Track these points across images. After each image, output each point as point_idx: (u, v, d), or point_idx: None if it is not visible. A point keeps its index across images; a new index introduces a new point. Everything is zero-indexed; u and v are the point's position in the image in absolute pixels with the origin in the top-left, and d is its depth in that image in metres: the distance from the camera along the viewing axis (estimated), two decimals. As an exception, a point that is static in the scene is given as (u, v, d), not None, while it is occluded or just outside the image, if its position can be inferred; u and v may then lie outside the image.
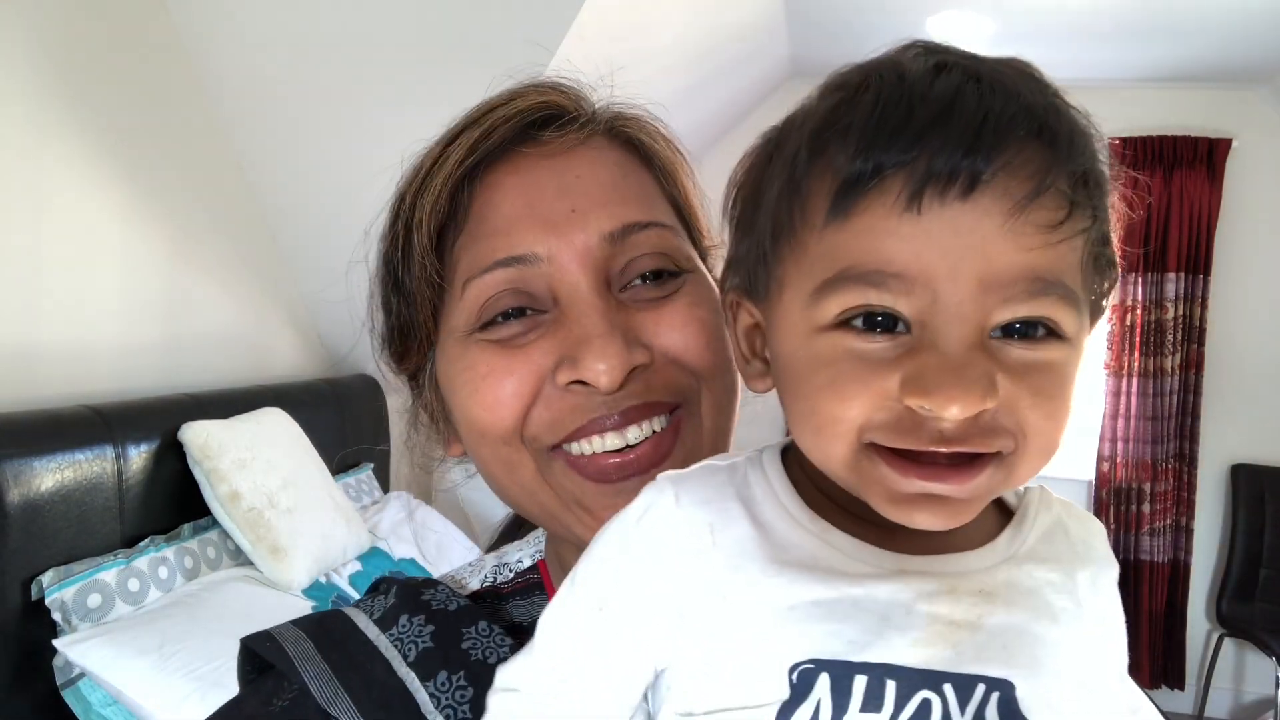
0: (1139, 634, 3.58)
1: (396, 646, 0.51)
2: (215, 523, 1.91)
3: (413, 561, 2.35)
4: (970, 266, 0.35)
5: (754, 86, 3.48)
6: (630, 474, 0.50)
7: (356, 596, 2.06)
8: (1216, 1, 2.73)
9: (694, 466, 0.44)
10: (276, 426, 2.13)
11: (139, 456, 1.78)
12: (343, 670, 0.49)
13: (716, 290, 0.55)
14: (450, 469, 0.61)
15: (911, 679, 0.36)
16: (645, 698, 0.42)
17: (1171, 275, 3.50)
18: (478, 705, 0.47)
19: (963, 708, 0.36)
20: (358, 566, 2.18)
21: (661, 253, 0.53)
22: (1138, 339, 3.54)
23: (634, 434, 0.50)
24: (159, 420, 1.86)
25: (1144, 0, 2.75)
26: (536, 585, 0.59)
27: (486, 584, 0.60)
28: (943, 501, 0.36)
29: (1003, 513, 0.43)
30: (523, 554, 0.62)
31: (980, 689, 0.36)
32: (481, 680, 0.48)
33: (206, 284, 2.27)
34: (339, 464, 2.53)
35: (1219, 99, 3.52)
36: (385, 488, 2.84)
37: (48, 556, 1.56)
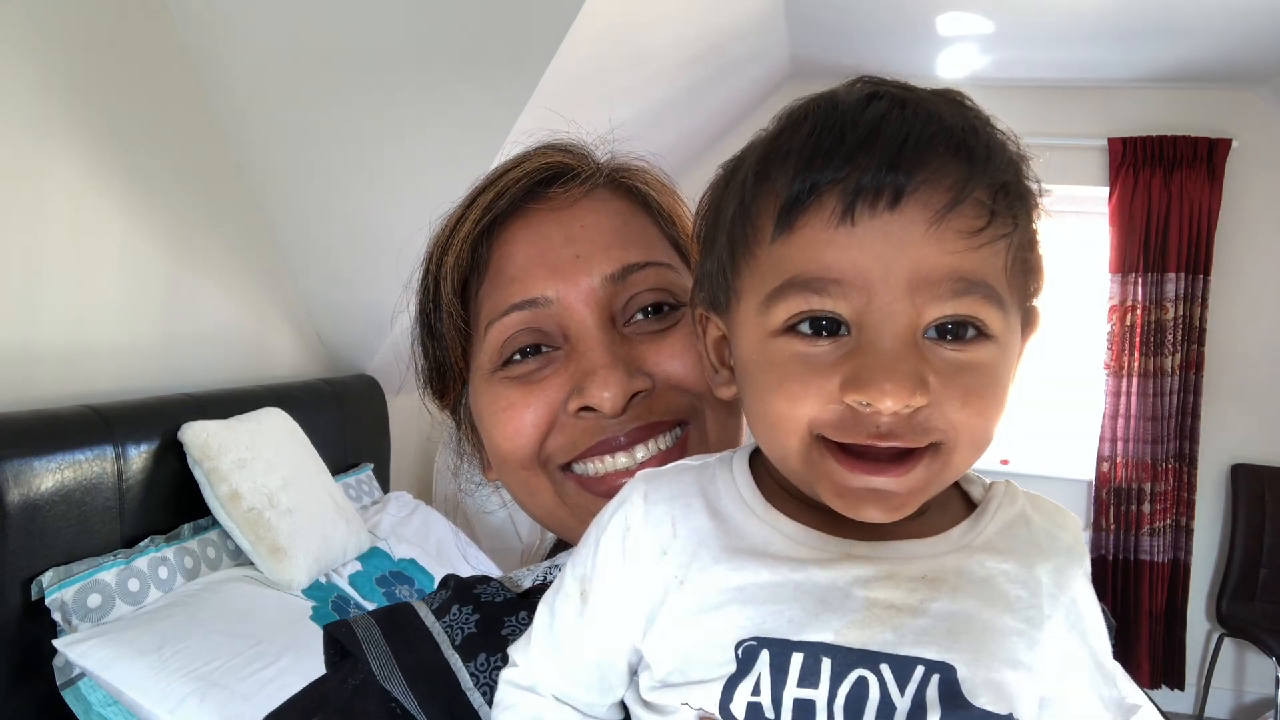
0: (1139, 634, 3.58)
1: (447, 632, 0.57)
2: (215, 523, 1.91)
3: (413, 561, 2.35)
4: (900, 269, 0.39)
5: (754, 86, 3.48)
6: None
7: (357, 596, 2.06)
8: (1216, 1, 2.73)
9: (669, 465, 0.48)
10: (276, 426, 2.13)
11: (139, 456, 1.78)
12: (400, 653, 0.55)
13: None
14: (490, 494, 0.69)
15: (848, 658, 0.38)
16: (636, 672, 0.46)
17: (1171, 275, 3.49)
18: None
19: (901, 688, 0.38)
20: (358, 566, 2.18)
21: (660, 288, 0.60)
22: (1138, 339, 3.54)
23: (641, 452, 0.57)
24: (159, 420, 1.86)
25: (1144, 0, 2.75)
26: None
27: (537, 582, 0.65)
28: (886, 495, 0.40)
29: (970, 507, 0.46)
30: None
31: (919, 670, 0.38)
32: None
33: (206, 284, 2.27)
34: (339, 464, 2.53)
35: (1219, 99, 3.52)
36: (385, 488, 2.84)
37: (48, 556, 1.56)
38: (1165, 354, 3.52)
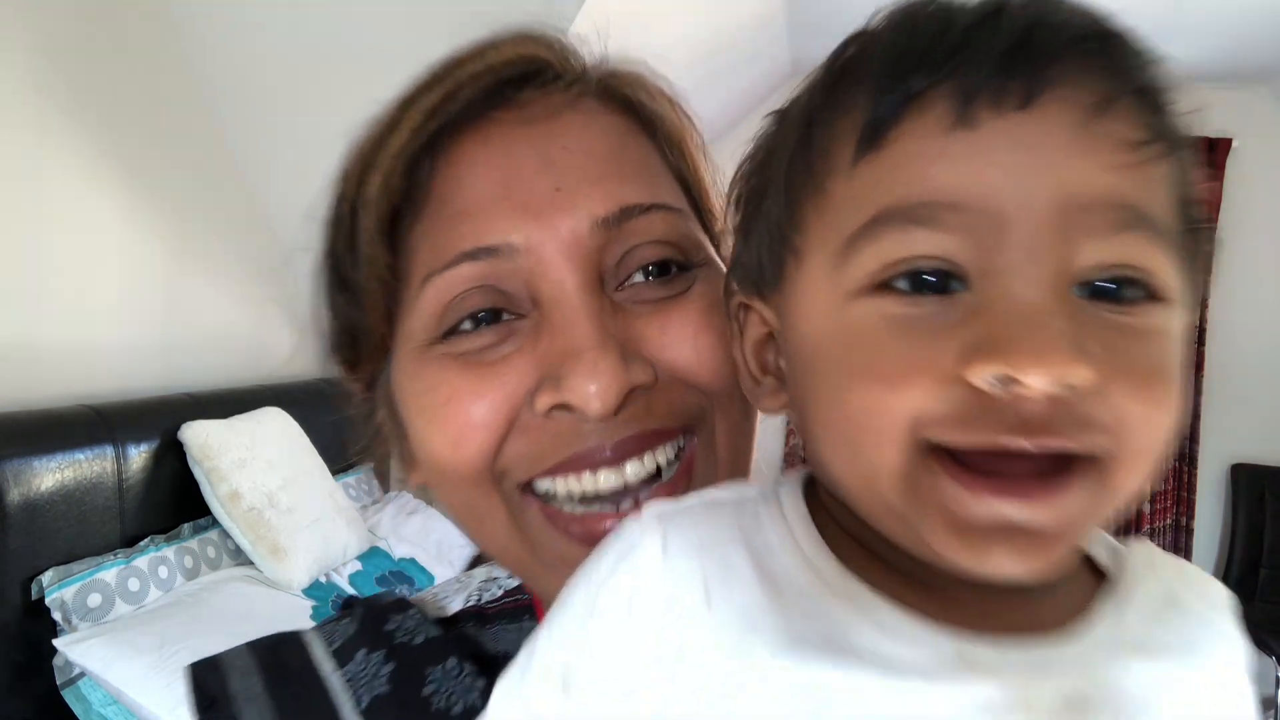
0: (1139, 634, 3.58)
1: (350, 688, 0.44)
2: (215, 522, 1.91)
3: (413, 561, 2.35)
4: (1043, 185, 0.27)
5: (754, 86, 3.48)
6: None
7: (357, 596, 2.06)
8: (1217, 1, 2.73)
9: (691, 498, 0.34)
10: (276, 426, 2.13)
11: (139, 456, 1.78)
12: (287, 713, 0.43)
13: None
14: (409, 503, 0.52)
15: None
16: None
17: (1171, 275, 3.49)
18: None
19: None
20: (358, 566, 2.18)
21: (668, 241, 0.43)
22: (1138, 339, 3.55)
23: (633, 470, 0.41)
24: (159, 420, 1.86)
25: (1145, 0, 2.75)
26: (526, 608, 0.50)
27: (470, 603, 0.52)
28: (1025, 535, 0.27)
29: (1092, 573, 0.34)
30: None
31: None
32: None
33: (206, 284, 2.27)
34: (339, 464, 2.53)
35: (1219, 99, 3.52)
36: (385, 488, 2.84)
37: (48, 556, 1.56)
38: (1165, 354, 3.53)
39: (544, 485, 0.42)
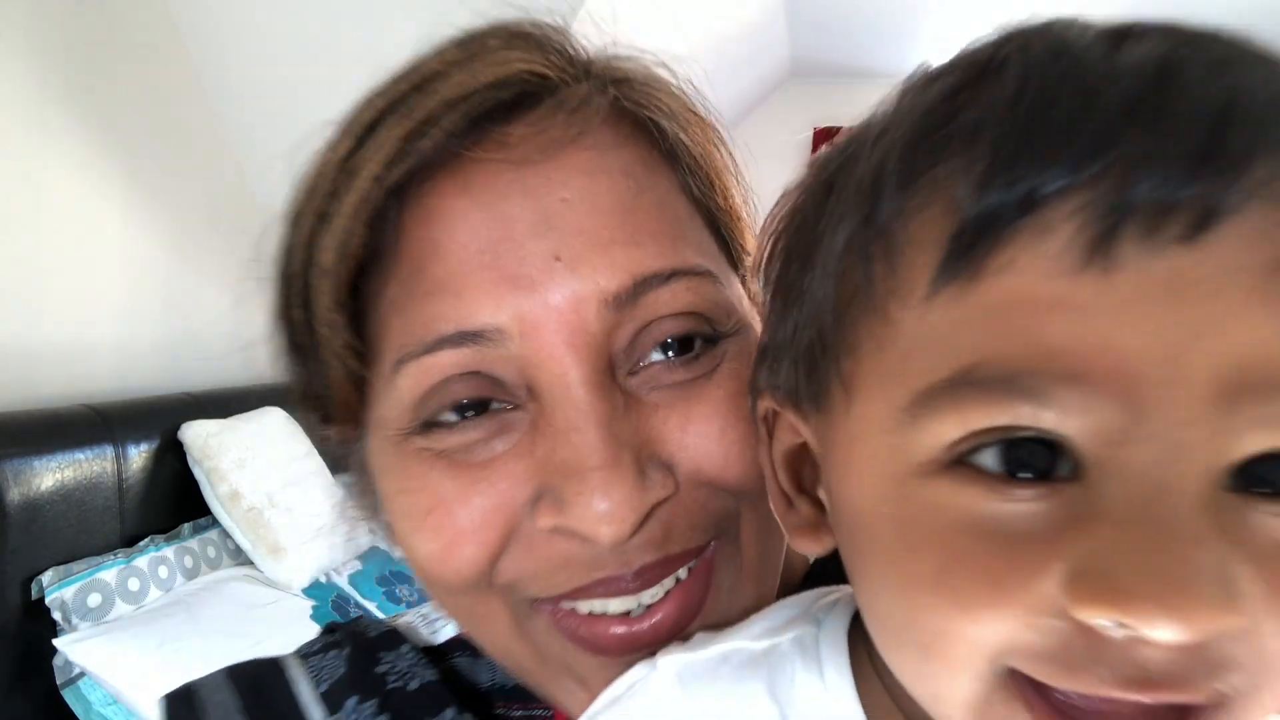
0: (1139, 634, 3.58)
1: None
2: (215, 522, 1.92)
3: (413, 561, 2.35)
4: (1204, 358, 0.20)
5: (754, 86, 3.48)
6: (642, 646, 0.35)
7: (357, 596, 2.06)
8: (1216, 2, 2.74)
9: (714, 649, 0.30)
10: (276, 426, 2.13)
11: (139, 456, 1.79)
12: None
13: None
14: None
15: None
16: None
17: (1171, 275, 3.49)
18: None
19: None
20: (358, 566, 2.18)
21: (692, 313, 0.36)
22: (1137, 339, 3.54)
23: (651, 597, 0.35)
24: (159, 420, 1.86)
25: (1143, 1, 2.75)
26: None
27: (463, 631, 0.47)
28: None
29: None
30: None
31: None
32: None
33: (206, 284, 2.27)
34: (339, 464, 2.53)
35: (1219, 99, 3.52)
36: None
37: (48, 556, 1.56)
38: (1165, 354, 3.52)
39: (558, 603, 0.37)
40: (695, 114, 0.41)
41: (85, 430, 1.67)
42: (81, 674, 1.52)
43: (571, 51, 0.39)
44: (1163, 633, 0.19)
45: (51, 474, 1.56)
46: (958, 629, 0.22)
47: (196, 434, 1.88)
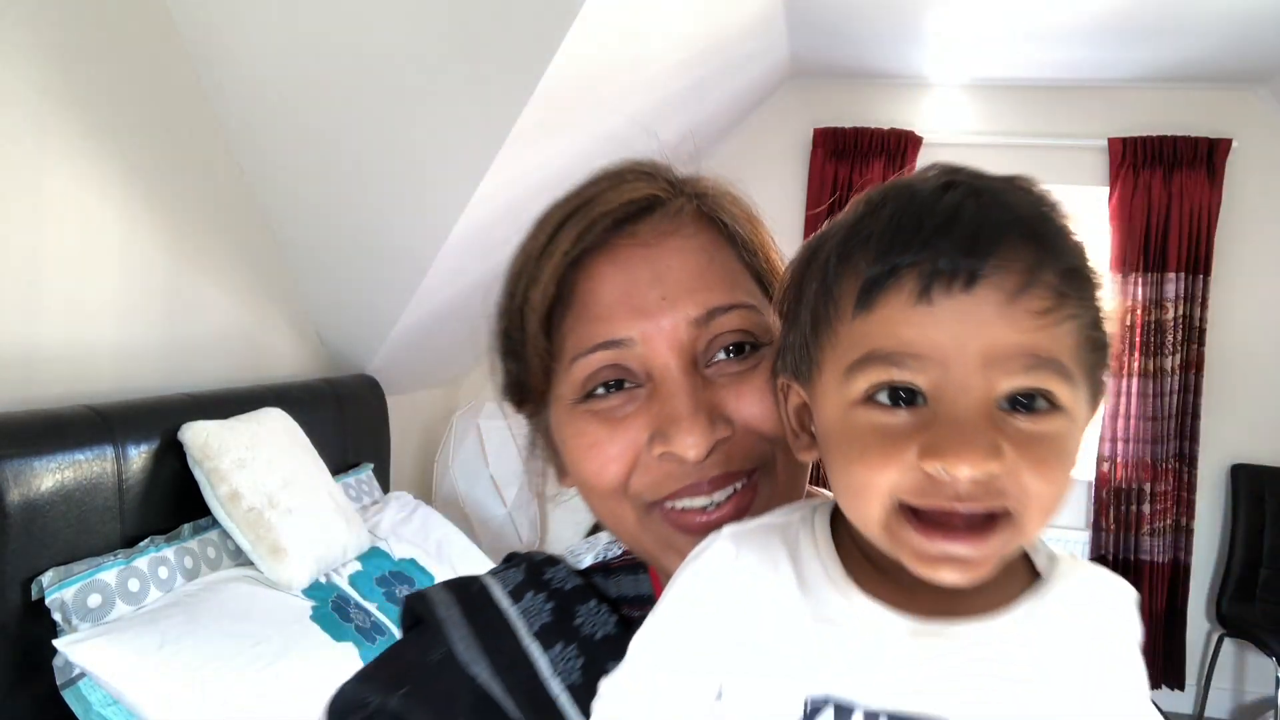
0: (1139, 634, 3.58)
1: (524, 619, 0.61)
2: (215, 523, 1.92)
3: (413, 561, 2.35)
4: (975, 345, 0.41)
5: (754, 86, 3.48)
6: (715, 527, 0.56)
7: (357, 596, 2.07)
8: (1216, 1, 2.73)
9: (754, 523, 0.51)
10: (276, 426, 2.13)
11: (139, 456, 1.79)
12: (481, 636, 0.60)
13: None
14: (564, 494, 0.69)
15: None
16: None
17: (1171, 275, 3.49)
18: (586, 671, 0.58)
19: None
20: (358, 566, 2.18)
21: (742, 329, 0.60)
22: (1138, 339, 3.54)
23: (720, 495, 0.58)
24: (159, 420, 1.86)
25: (1144, 0, 2.75)
26: (640, 564, 0.69)
27: (598, 560, 0.71)
28: (962, 561, 0.42)
29: (1034, 574, 0.48)
30: None
31: None
32: (589, 651, 0.60)
33: (206, 284, 2.27)
34: (339, 464, 2.53)
35: (1219, 99, 3.52)
36: (385, 488, 2.84)
37: (48, 556, 1.56)
38: (1165, 354, 3.52)
39: (663, 503, 0.59)
40: (746, 211, 0.65)
41: (85, 430, 1.67)
42: (81, 675, 1.52)
43: (674, 178, 0.64)
44: (962, 471, 0.40)
45: (51, 474, 1.56)
46: (871, 479, 0.43)
47: (196, 434, 1.88)
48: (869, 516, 0.44)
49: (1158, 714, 0.56)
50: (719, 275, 0.60)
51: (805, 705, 0.44)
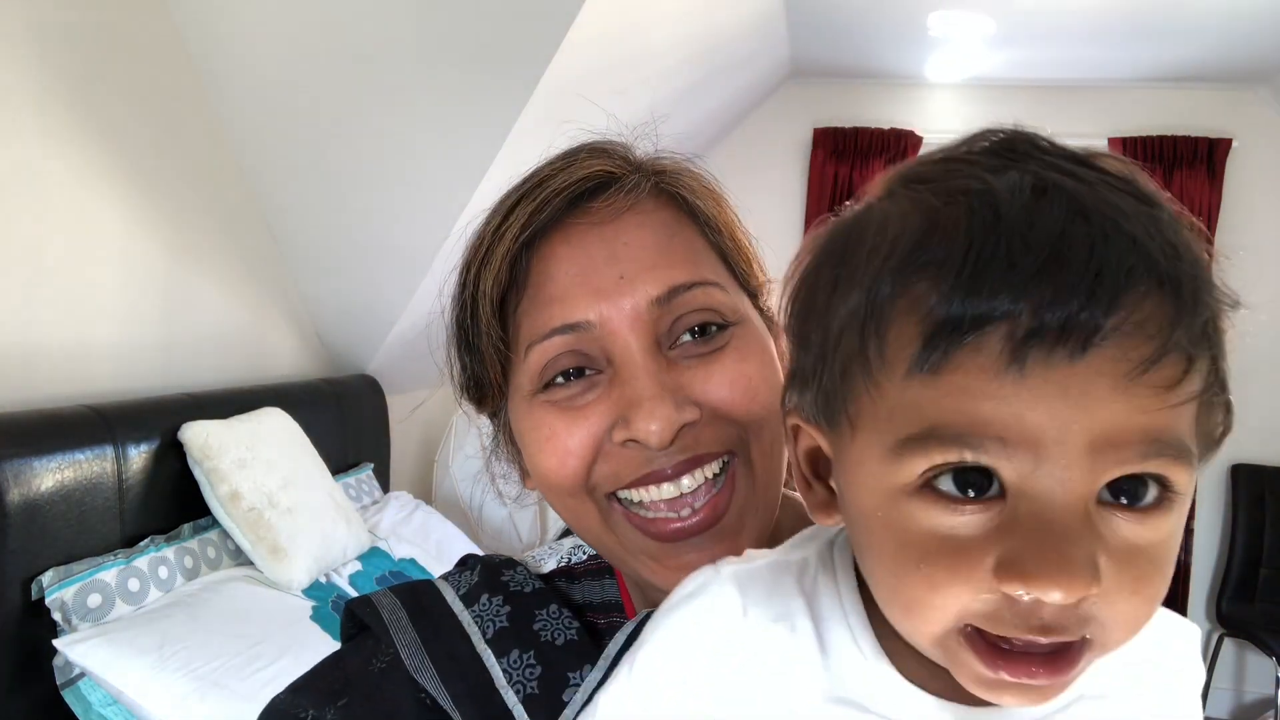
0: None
1: (477, 624, 0.57)
2: (215, 523, 1.91)
3: (413, 561, 2.35)
4: (1080, 430, 0.31)
5: (754, 86, 3.48)
6: (690, 534, 0.54)
7: (356, 597, 2.06)
8: (1216, 1, 2.73)
9: (761, 561, 0.43)
10: (276, 426, 2.13)
11: (139, 456, 1.78)
12: (430, 642, 0.56)
13: (766, 335, 0.59)
14: (528, 496, 0.67)
15: None
16: None
17: (1171, 275, 3.49)
18: (544, 682, 0.54)
19: None
20: (358, 566, 2.18)
21: (707, 308, 0.56)
22: (1138, 339, 3.54)
23: (687, 482, 0.54)
24: (159, 420, 1.86)
25: (1144, 0, 2.75)
26: (606, 569, 0.65)
27: (562, 564, 0.67)
28: (1033, 690, 0.35)
29: None
30: None
31: None
32: (547, 658, 0.55)
33: (206, 284, 2.27)
34: (339, 464, 2.53)
35: (1219, 99, 3.52)
36: (385, 488, 2.84)
37: (48, 556, 1.56)
38: (1165, 354, 3.52)
39: (624, 494, 0.56)
40: (708, 188, 0.61)
41: (85, 430, 1.67)
42: (81, 674, 1.52)
43: (629, 156, 0.60)
44: (1052, 596, 0.32)
45: (51, 474, 1.56)
46: (928, 599, 0.35)
47: (196, 434, 1.88)
48: (924, 634, 0.36)
49: None
50: (680, 252, 0.56)
51: None
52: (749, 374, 0.55)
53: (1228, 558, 3.52)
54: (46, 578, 1.54)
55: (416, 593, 0.60)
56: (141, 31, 1.97)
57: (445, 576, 0.63)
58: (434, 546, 2.50)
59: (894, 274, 0.34)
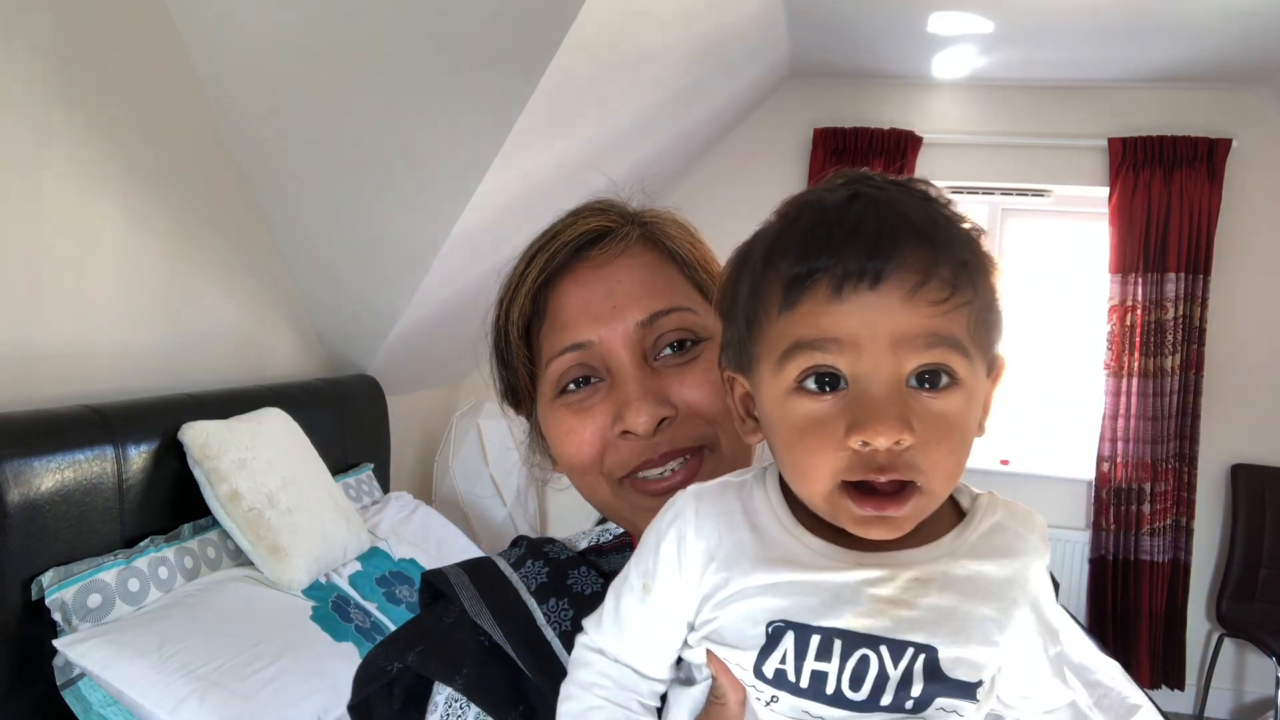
0: (1139, 634, 3.58)
1: (524, 581, 0.73)
2: (215, 523, 1.92)
3: (413, 561, 2.35)
4: (883, 330, 0.49)
5: (754, 86, 3.48)
6: (675, 489, 0.66)
7: (357, 596, 2.07)
8: (1216, 1, 2.73)
9: (715, 482, 0.59)
10: (276, 426, 2.13)
11: (139, 456, 1.79)
12: (487, 595, 0.72)
13: None
14: (560, 480, 0.80)
15: (855, 640, 0.50)
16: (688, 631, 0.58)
17: (1171, 275, 3.49)
18: (576, 621, 0.66)
19: (895, 664, 0.50)
20: (358, 566, 2.18)
21: (682, 329, 0.72)
22: (1137, 339, 3.54)
23: (671, 465, 0.70)
24: (159, 420, 1.86)
25: (1144, 0, 2.75)
26: (627, 545, 0.80)
27: (592, 544, 0.83)
28: (889, 521, 0.50)
29: (960, 514, 0.57)
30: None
31: (909, 651, 0.50)
32: (579, 605, 0.70)
33: (206, 284, 2.27)
34: (339, 464, 2.53)
35: (1219, 99, 3.52)
36: (385, 488, 2.84)
37: (48, 556, 1.56)
38: (1165, 354, 3.52)
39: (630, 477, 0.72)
40: (687, 233, 0.78)
41: (85, 431, 1.67)
42: (81, 675, 1.52)
43: (624, 210, 0.77)
44: (880, 442, 0.48)
45: (51, 474, 1.56)
46: (810, 462, 0.51)
47: (196, 434, 1.88)
48: (815, 493, 0.51)
49: (1066, 614, 0.69)
50: (660, 286, 0.73)
51: (767, 629, 0.51)
52: (716, 379, 0.67)
53: (1227, 558, 3.52)
54: (46, 578, 1.54)
55: (478, 564, 0.76)
56: (141, 31, 1.97)
57: (501, 554, 0.79)
58: (434, 546, 2.50)
59: (766, 256, 0.53)
